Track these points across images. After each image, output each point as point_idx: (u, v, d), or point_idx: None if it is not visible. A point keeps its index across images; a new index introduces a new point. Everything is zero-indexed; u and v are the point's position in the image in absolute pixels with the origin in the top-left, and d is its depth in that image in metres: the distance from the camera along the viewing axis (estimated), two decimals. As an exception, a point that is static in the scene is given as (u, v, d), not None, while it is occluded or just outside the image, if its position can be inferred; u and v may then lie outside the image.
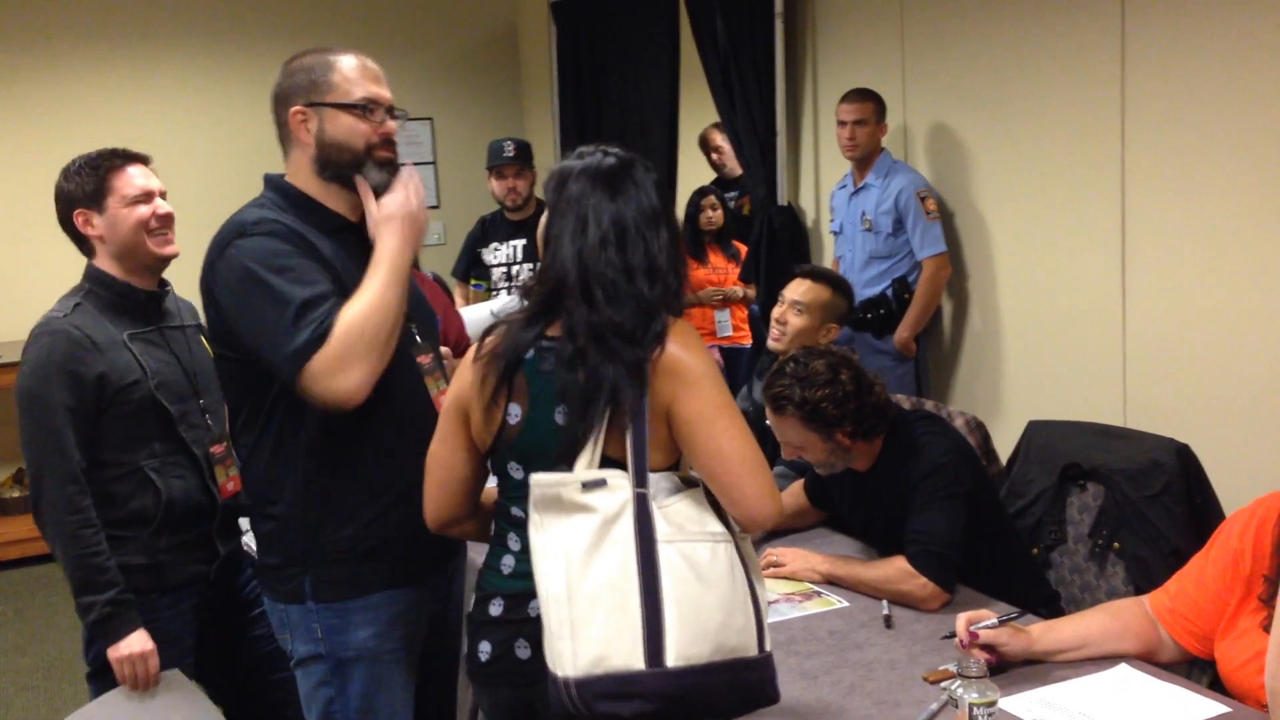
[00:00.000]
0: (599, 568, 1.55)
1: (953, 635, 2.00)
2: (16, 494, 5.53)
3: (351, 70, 1.98)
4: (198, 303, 2.17)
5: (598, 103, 5.97)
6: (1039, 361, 4.01)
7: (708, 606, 1.57)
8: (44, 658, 4.34)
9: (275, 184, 2.04)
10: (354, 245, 2.00)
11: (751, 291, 5.27)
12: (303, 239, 1.92)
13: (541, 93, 6.50)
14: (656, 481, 1.64)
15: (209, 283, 1.95)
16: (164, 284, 2.49)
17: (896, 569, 2.33)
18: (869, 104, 4.24)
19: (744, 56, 4.96)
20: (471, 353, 1.77)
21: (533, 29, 6.61)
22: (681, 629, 1.53)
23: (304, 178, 2.02)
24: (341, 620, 1.99)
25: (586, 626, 1.53)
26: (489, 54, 6.81)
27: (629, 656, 1.52)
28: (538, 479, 1.61)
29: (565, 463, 1.64)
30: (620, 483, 1.59)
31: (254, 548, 2.13)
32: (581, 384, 1.62)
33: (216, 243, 1.95)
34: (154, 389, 2.34)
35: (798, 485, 2.86)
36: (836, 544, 2.72)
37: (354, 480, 1.96)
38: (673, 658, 1.52)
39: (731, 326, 5.51)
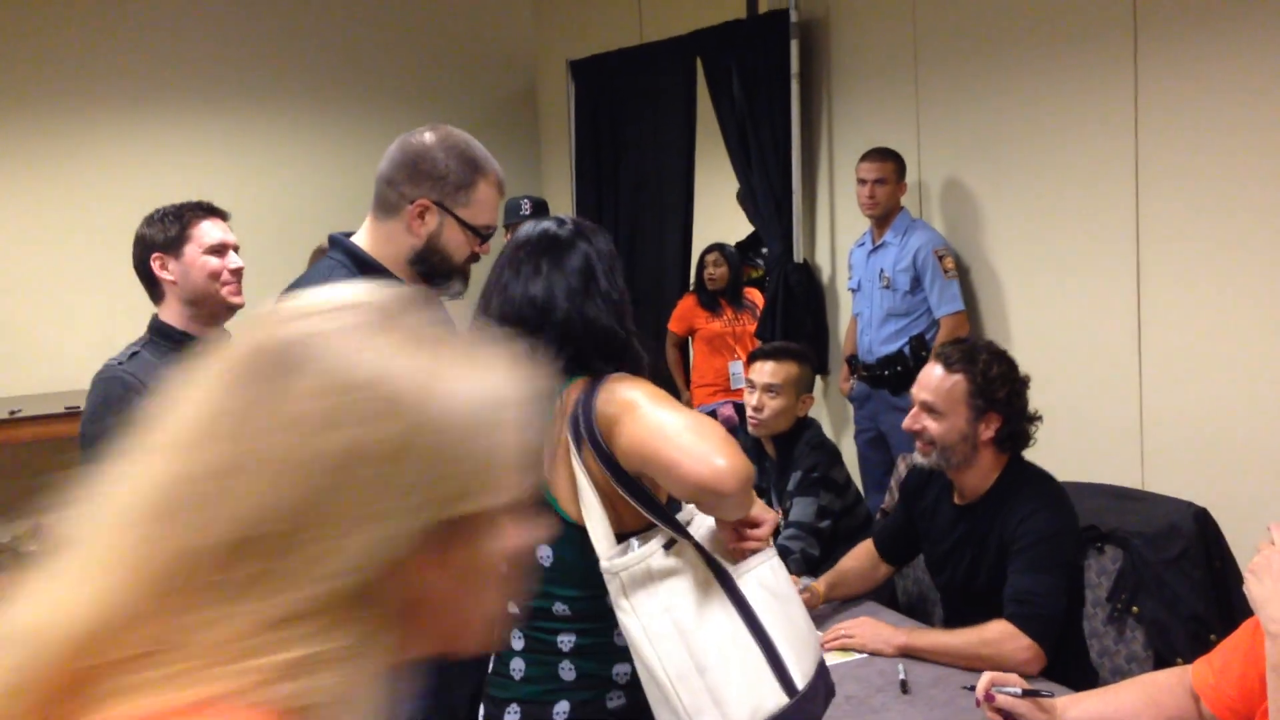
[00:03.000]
0: (712, 625, 1.50)
1: (972, 688, 1.98)
2: (35, 548, 5.54)
3: (491, 193, 1.99)
4: None
5: (615, 160, 6.02)
6: (1054, 421, 3.96)
7: (796, 619, 1.56)
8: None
9: (346, 248, 2.01)
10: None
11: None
12: None
13: (559, 150, 6.57)
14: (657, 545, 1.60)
15: None
16: (225, 333, 2.58)
17: (999, 630, 2.26)
18: (889, 163, 4.27)
19: (760, 115, 5.02)
20: None
21: (551, 87, 6.68)
22: (791, 650, 1.51)
23: (385, 249, 1.99)
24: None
25: (728, 687, 1.47)
26: (508, 111, 6.90)
27: (776, 696, 1.48)
28: (617, 564, 1.54)
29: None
30: (678, 536, 1.56)
31: None
32: None
33: None
34: None
35: (866, 543, 2.79)
36: (882, 615, 2.64)
37: None
38: (799, 680, 1.50)
39: (745, 379, 5.51)
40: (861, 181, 4.31)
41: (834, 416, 4.97)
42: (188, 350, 2.48)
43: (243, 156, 6.29)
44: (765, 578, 1.57)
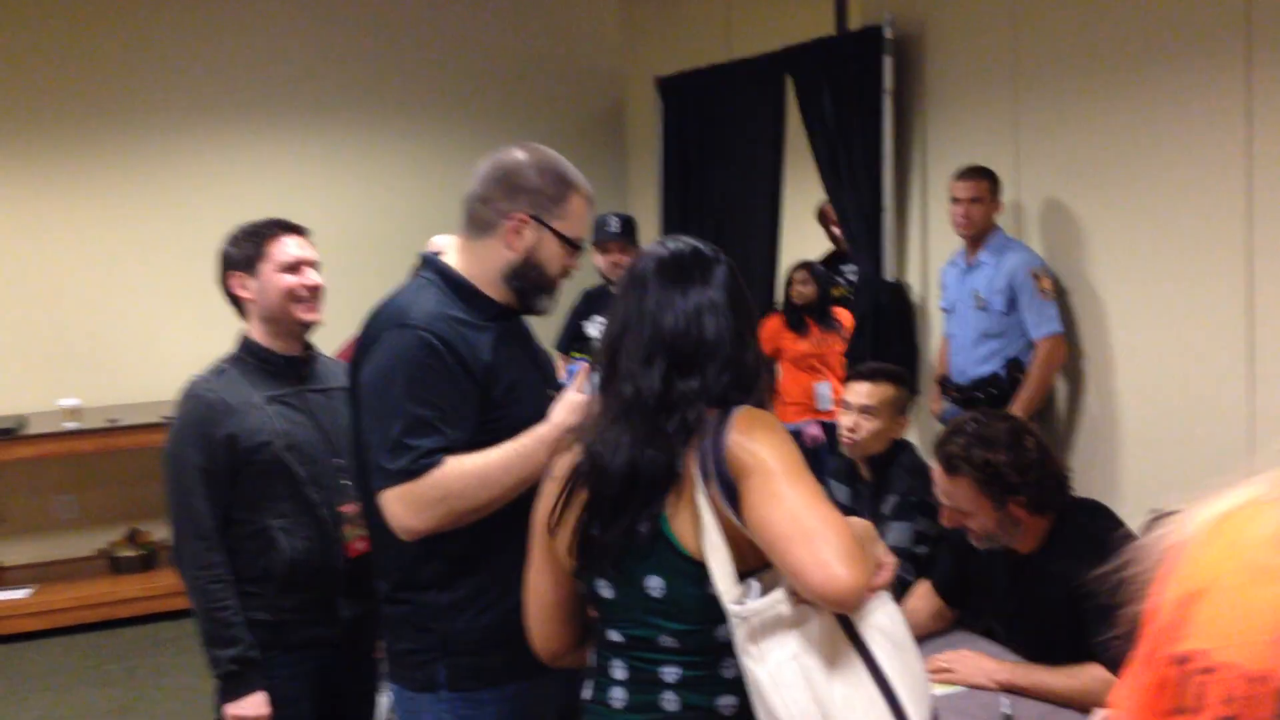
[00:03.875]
0: (838, 673, 1.46)
1: None
2: (130, 553, 5.68)
3: (583, 207, 2.04)
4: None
5: (702, 178, 5.98)
6: (1159, 448, 3.86)
7: (914, 669, 1.52)
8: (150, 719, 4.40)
9: (439, 269, 2.03)
10: (516, 330, 2.06)
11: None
12: (463, 344, 1.91)
13: (646, 167, 6.56)
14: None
15: (359, 358, 1.99)
16: (309, 348, 2.59)
17: (1098, 679, 2.14)
18: (984, 182, 4.18)
19: (852, 133, 4.94)
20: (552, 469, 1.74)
21: (639, 104, 6.68)
22: (911, 700, 1.47)
23: (481, 268, 2.01)
24: (476, 712, 1.96)
25: None
26: (596, 128, 6.92)
27: None
28: (747, 609, 1.49)
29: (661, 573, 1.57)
30: None
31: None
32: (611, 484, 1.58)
33: (377, 322, 1.99)
34: (283, 450, 2.42)
35: (926, 586, 2.70)
36: (975, 644, 2.54)
37: (499, 566, 1.91)
38: None
39: (831, 400, 5.43)
40: (955, 200, 4.23)
41: (924, 437, 4.87)
42: (272, 366, 2.49)
43: (334, 172, 6.41)
44: (884, 624, 1.51)
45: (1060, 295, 4.14)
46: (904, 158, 4.96)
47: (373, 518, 2.03)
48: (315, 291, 2.52)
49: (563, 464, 1.70)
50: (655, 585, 1.58)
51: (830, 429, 5.39)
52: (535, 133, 7.08)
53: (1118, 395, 4.03)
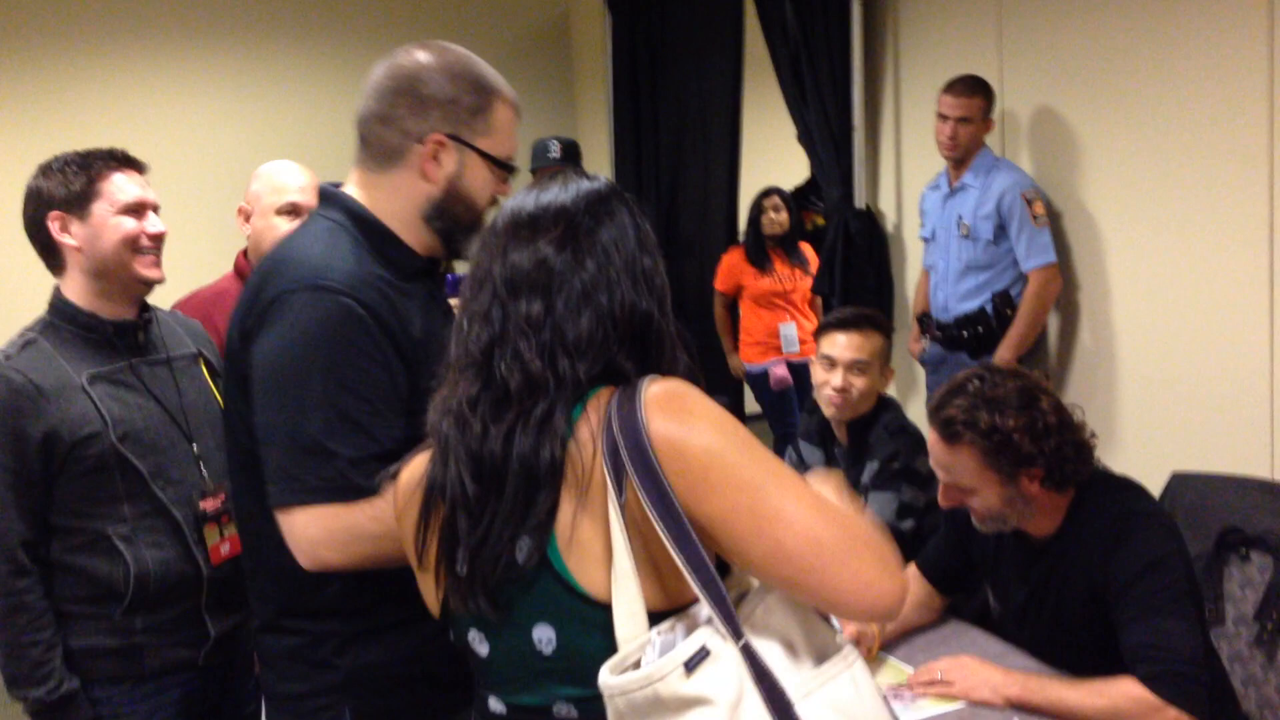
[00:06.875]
0: None
1: None
2: None
3: (510, 117, 1.64)
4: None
5: (655, 98, 5.65)
6: (1164, 393, 3.48)
7: None
8: None
9: (351, 210, 1.61)
10: (436, 293, 1.67)
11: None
12: (393, 315, 1.52)
13: (595, 87, 6.15)
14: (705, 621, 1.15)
15: (249, 326, 1.55)
16: (146, 309, 2.13)
17: (1132, 698, 1.81)
18: (978, 99, 3.73)
19: (817, 44, 4.54)
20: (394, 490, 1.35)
21: (586, 18, 6.28)
22: None
23: (395, 206, 1.61)
24: None
25: None
26: (539, 46, 6.43)
27: None
28: (614, 683, 1.12)
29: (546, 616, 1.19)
30: (717, 643, 1.12)
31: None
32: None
33: (278, 276, 1.53)
34: (117, 441, 1.97)
35: (912, 570, 2.31)
36: (975, 641, 2.20)
37: (411, 589, 1.45)
38: None
39: (797, 341, 5.03)
40: (943, 118, 3.78)
41: (902, 387, 4.48)
42: (98, 335, 2.03)
43: (215, 96, 5.63)
44: (841, 696, 1.14)
45: (1053, 221, 3.73)
46: (875, 71, 4.55)
47: (247, 519, 1.64)
48: (159, 241, 2.08)
49: (412, 468, 1.30)
50: (545, 637, 1.19)
51: (797, 371, 5.00)
52: (474, 49, 6.51)
53: (1116, 332, 3.64)
